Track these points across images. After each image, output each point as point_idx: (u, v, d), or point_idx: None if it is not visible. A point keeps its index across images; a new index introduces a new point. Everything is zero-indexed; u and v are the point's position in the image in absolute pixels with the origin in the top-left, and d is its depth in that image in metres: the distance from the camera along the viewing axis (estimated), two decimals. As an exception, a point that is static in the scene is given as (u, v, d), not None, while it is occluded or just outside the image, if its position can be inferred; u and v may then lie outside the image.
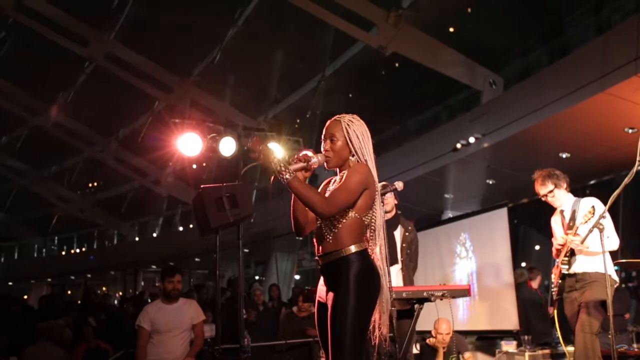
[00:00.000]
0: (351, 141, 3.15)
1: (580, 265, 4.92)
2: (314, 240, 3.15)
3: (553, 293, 5.17)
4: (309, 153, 3.18)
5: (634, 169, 4.10)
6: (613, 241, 4.79)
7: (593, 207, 4.58)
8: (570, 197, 5.17)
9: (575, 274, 4.94)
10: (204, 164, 17.65)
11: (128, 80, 15.79)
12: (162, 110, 16.69)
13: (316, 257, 3.15)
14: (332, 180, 3.26)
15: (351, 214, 3.03)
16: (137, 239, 25.66)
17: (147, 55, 15.16)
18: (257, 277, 21.19)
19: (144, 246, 24.05)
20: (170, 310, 5.81)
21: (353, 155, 3.17)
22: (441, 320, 6.38)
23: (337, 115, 3.24)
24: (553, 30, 11.20)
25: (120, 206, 24.37)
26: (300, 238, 3.54)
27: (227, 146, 6.46)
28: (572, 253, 4.96)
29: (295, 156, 3.15)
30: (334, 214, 2.99)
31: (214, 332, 6.37)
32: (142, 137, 17.99)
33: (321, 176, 7.51)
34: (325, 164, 3.18)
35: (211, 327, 6.67)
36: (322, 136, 3.23)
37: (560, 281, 5.06)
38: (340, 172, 3.23)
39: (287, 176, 2.93)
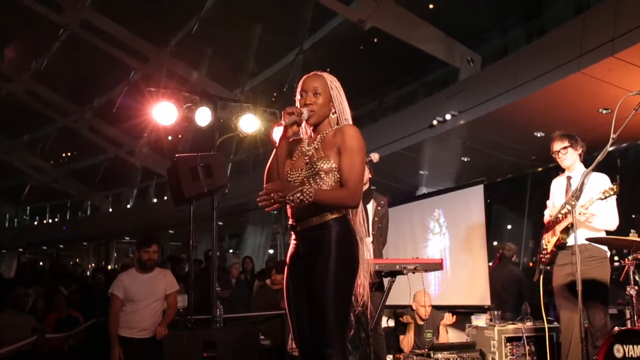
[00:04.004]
0: (334, 99, 3.11)
1: (579, 238, 4.85)
2: (289, 206, 3.02)
3: (544, 260, 5.11)
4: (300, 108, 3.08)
5: (607, 148, 4.15)
6: (614, 220, 4.85)
7: (616, 185, 4.57)
8: (581, 166, 5.11)
9: (572, 247, 4.77)
10: (180, 136, 17.55)
11: (103, 49, 15.56)
12: (138, 80, 16.50)
13: (291, 222, 3.04)
14: (307, 141, 3.14)
15: (338, 175, 2.97)
16: (110, 210, 25.49)
17: (124, 24, 14.93)
18: (230, 251, 21.21)
19: (117, 217, 23.91)
20: (144, 280, 5.80)
21: (334, 114, 3.12)
22: (422, 292, 6.45)
23: (316, 71, 3.18)
24: (532, 10, 11.23)
25: (94, 177, 24.16)
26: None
27: (203, 116, 6.41)
28: (572, 225, 4.90)
29: (287, 110, 3.05)
30: (361, 196, 2.97)
31: (186, 302, 6.40)
32: (117, 106, 17.80)
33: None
34: (308, 119, 3.09)
35: (184, 298, 6.67)
36: (301, 89, 3.14)
37: (554, 249, 5.03)
38: (315, 130, 3.13)
39: (310, 195, 2.82)
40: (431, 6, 11.86)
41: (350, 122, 3.12)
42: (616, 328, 4.72)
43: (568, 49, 7.83)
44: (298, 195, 2.82)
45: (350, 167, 2.95)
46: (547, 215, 5.23)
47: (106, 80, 18.33)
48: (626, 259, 4.55)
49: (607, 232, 4.94)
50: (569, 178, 5.12)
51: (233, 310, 8.14)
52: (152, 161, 20.69)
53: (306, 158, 3.06)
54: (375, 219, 5.57)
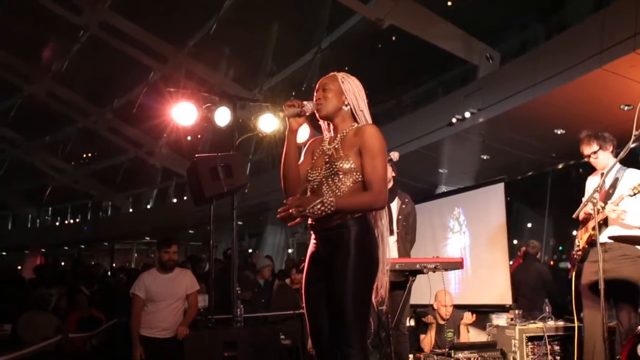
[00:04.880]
0: (345, 92, 3.10)
1: (611, 234, 4.71)
2: None
3: (576, 257, 5.06)
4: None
5: (630, 144, 4.09)
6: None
7: None
8: (616, 163, 4.98)
9: (605, 244, 4.73)
10: (199, 136, 17.63)
11: (123, 50, 15.67)
12: (157, 80, 16.61)
13: (311, 222, 3.03)
14: (328, 140, 3.15)
15: (357, 175, 2.96)
16: (131, 210, 25.66)
17: (143, 25, 15.02)
18: (250, 250, 21.26)
19: (137, 218, 24.06)
20: (165, 280, 5.83)
21: (346, 106, 3.10)
22: (443, 291, 6.42)
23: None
24: (551, 5, 11.14)
25: (115, 177, 24.34)
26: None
27: (222, 116, 6.42)
28: (605, 221, 4.84)
29: (288, 103, 3.07)
30: (386, 196, 2.95)
31: (207, 302, 6.42)
32: (137, 107, 17.92)
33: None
34: (316, 112, 3.11)
35: (204, 297, 6.70)
36: (315, 90, 3.17)
37: (586, 246, 4.97)
38: (335, 128, 3.13)
39: (331, 205, 2.83)
40: (450, 3, 11.82)
41: (369, 118, 3.12)
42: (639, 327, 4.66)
43: (589, 45, 7.76)
44: (318, 206, 2.83)
45: (373, 169, 2.94)
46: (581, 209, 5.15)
47: (126, 81, 18.47)
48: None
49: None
50: (602, 175, 5.03)
51: (256, 311, 8.17)
52: (171, 161, 20.81)
53: (326, 157, 3.06)
54: (400, 217, 5.55)
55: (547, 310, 6.43)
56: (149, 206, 24.51)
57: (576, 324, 5.29)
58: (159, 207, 23.56)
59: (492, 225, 8.50)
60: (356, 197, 2.93)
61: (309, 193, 3.08)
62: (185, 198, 20.68)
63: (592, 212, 4.75)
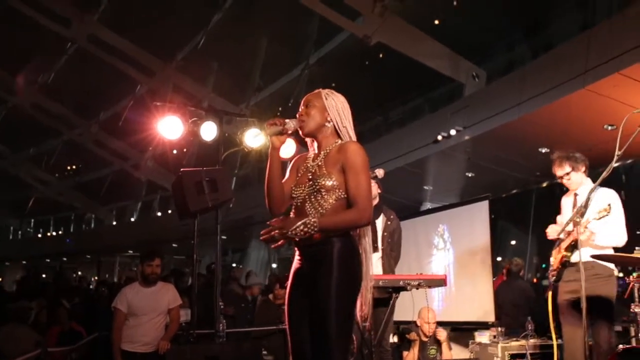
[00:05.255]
0: (328, 108, 3.10)
1: (583, 256, 4.85)
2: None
3: (551, 278, 5.09)
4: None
5: (612, 164, 4.13)
6: (621, 236, 4.78)
7: (609, 205, 4.54)
8: (589, 182, 5.06)
9: (576, 264, 4.83)
10: (185, 150, 17.59)
11: (110, 63, 15.64)
12: (144, 94, 16.59)
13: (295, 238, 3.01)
14: (312, 157, 3.15)
15: (340, 193, 2.96)
16: (114, 223, 25.51)
17: (130, 38, 15.02)
18: (233, 265, 21.17)
19: (121, 230, 23.93)
20: (147, 293, 5.80)
21: (329, 122, 3.10)
22: (427, 308, 6.43)
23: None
24: (537, 26, 11.25)
25: (99, 190, 24.22)
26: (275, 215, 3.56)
27: (209, 130, 6.41)
28: (577, 242, 4.91)
29: (270, 121, 3.07)
30: (371, 212, 2.94)
31: (190, 316, 6.38)
32: (123, 120, 17.88)
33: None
34: (300, 129, 3.12)
35: (187, 312, 6.66)
36: (300, 106, 3.18)
37: (560, 267, 5.01)
38: (319, 145, 3.13)
39: (314, 226, 2.83)
40: (437, 22, 11.90)
41: (353, 135, 3.12)
42: (621, 346, 4.69)
43: (573, 65, 7.83)
44: (301, 228, 2.83)
45: (357, 185, 2.93)
46: (550, 229, 5.21)
47: (112, 94, 18.45)
48: (631, 277, 4.53)
49: (616, 249, 4.91)
50: (575, 195, 5.10)
51: (240, 326, 8.12)
52: (157, 175, 20.74)
53: (309, 174, 3.06)
54: (385, 233, 5.55)
55: (530, 327, 6.45)
56: (132, 219, 24.39)
57: (554, 342, 5.34)
58: (143, 221, 23.44)
59: (476, 242, 8.54)
60: (340, 216, 2.93)
61: (293, 211, 3.08)
62: (169, 212, 20.60)
63: (564, 234, 4.85)
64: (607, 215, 4.48)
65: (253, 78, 16.62)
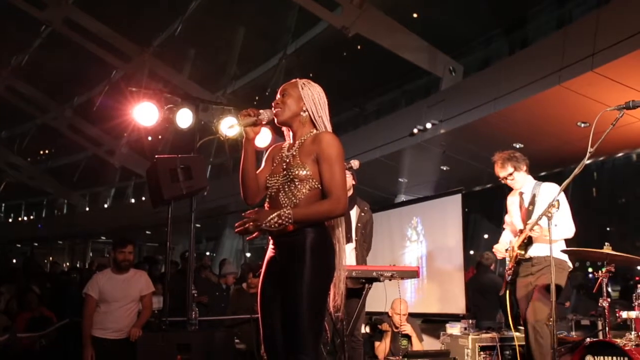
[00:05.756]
0: (304, 98, 3.09)
1: (537, 251, 4.97)
2: (268, 209, 3.03)
3: (507, 275, 5.21)
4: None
5: (584, 161, 4.18)
6: (569, 228, 4.87)
7: (558, 201, 4.62)
8: (531, 180, 5.21)
9: (531, 258, 4.99)
10: (160, 137, 17.47)
11: (86, 47, 15.43)
12: (119, 79, 16.41)
13: None
14: (287, 146, 3.14)
15: (313, 183, 2.95)
16: (87, 209, 25.27)
17: (107, 23, 14.83)
18: (207, 253, 21.11)
19: (94, 217, 23.72)
20: (119, 280, 5.77)
21: (304, 112, 3.09)
22: (399, 300, 6.47)
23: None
24: (515, 22, 11.33)
25: (72, 175, 23.96)
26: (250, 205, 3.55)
27: (184, 118, 6.37)
28: (529, 239, 5.01)
29: (243, 112, 3.07)
30: (346, 202, 2.93)
31: (162, 304, 6.36)
32: (98, 105, 17.69)
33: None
34: (275, 118, 3.11)
35: (159, 299, 6.64)
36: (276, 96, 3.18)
37: (515, 265, 5.11)
38: (294, 135, 3.12)
39: (289, 217, 2.84)
40: (415, 15, 11.91)
41: (329, 125, 3.12)
42: (588, 339, 4.78)
43: (549, 62, 7.90)
44: (275, 219, 2.84)
45: (331, 176, 2.93)
46: (496, 250, 5.35)
47: (87, 79, 18.22)
48: (599, 272, 4.61)
49: (567, 241, 5.02)
50: (521, 194, 5.22)
51: (212, 314, 8.11)
52: (131, 161, 20.56)
53: (284, 164, 3.05)
54: (359, 225, 5.57)
55: (501, 320, 6.53)
56: (106, 205, 24.18)
57: (515, 335, 5.47)
58: (116, 207, 23.26)
59: (449, 235, 8.61)
60: (314, 206, 2.92)
61: (267, 200, 3.07)
62: (143, 198, 20.48)
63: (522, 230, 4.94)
64: (556, 211, 4.57)
65: (230, 66, 16.52)
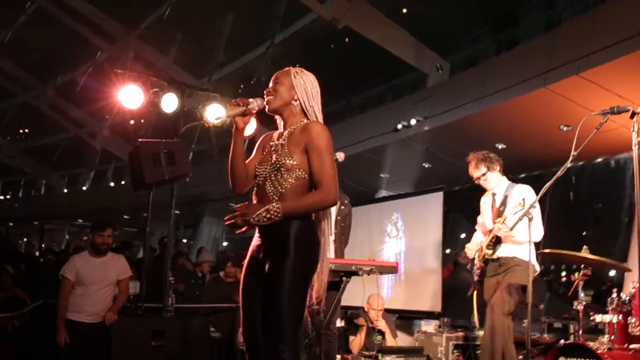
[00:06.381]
0: (296, 87, 3.07)
1: (504, 251, 5.03)
2: (254, 198, 3.03)
3: (475, 275, 5.26)
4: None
5: (567, 164, 4.21)
6: (539, 231, 4.91)
7: (523, 199, 4.67)
8: (505, 181, 5.25)
9: (498, 259, 5.04)
10: (142, 121, 17.33)
11: (71, 26, 15.24)
12: (104, 60, 16.22)
13: None
14: (277, 135, 3.12)
15: (300, 172, 2.93)
16: (65, 190, 25.03)
17: (94, 2, 14.64)
18: (184, 240, 21.03)
19: (72, 198, 23.50)
20: (97, 263, 5.72)
21: (296, 101, 3.07)
22: (376, 295, 6.48)
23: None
24: (504, 22, 11.36)
25: (52, 155, 23.70)
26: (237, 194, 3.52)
27: (170, 102, 6.34)
28: (497, 239, 5.06)
29: (232, 101, 3.05)
30: (337, 192, 2.92)
31: (138, 289, 6.32)
32: (81, 86, 17.50)
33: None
34: (266, 106, 3.09)
35: (136, 284, 6.59)
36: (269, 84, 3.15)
37: (483, 265, 5.16)
38: (285, 123, 3.11)
39: (277, 212, 2.82)
40: (404, 10, 11.90)
41: (320, 114, 3.10)
42: (562, 341, 4.83)
43: (536, 64, 7.92)
44: (264, 214, 2.83)
45: (321, 166, 2.92)
46: (467, 249, 5.38)
47: (71, 59, 17.99)
48: (576, 275, 4.64)
49: (542, 243, 5.07)
50: (493, 195, 5.26)
51: (188, 302, 8.08)
52: (112, 144, 20.40)
53: (273, 153, 3.04)
54: (338, 218, 5.57)
55: (475, 319, 6.57)
56: (84, 188, 23.97)
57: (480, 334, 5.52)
58: (95, 190, 23.07)
59: (429, 232, 8.63)
60: (304, 199, 2.91)
61: (255, 189, 3.05)
62: (123, 182, 20.32)
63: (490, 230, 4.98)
64: (521, 209, 4.60)
65: (217, 53, 16.41)
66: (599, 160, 10.35)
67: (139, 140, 5.74)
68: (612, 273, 10.40)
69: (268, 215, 2.82)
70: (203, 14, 14.81)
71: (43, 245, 25.30)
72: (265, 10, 14.59)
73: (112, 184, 22.28)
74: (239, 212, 2.84)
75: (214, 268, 10.97)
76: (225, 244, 20.81)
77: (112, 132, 19.91)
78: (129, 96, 6.25)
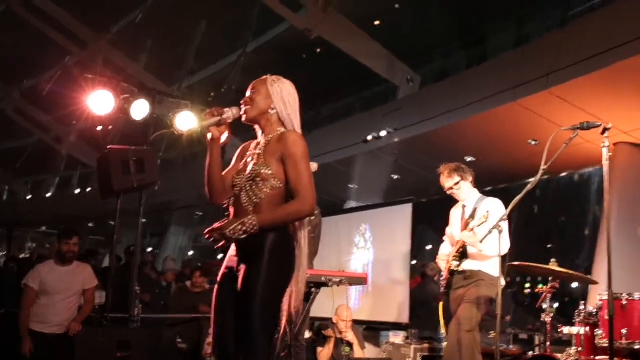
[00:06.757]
0: (272, 95, 3.05)
1: (470, 264, 5.05)
2: (231, 209, 2.99)
3: (441, 287, 5.29)
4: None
5: (537, 177, 4.24)
6: (506, 244, 4.94)
7: (488, 212, 4.70)
8: (476, 193, 5.28)
9: (464, 272, 5.06)
10: (110, 127, 17.07)
11: (40, 29, 15.00)
12: (72, 65, 15.99)
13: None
14: (255, 144, 3.09)
15: (275, 182, 2.90)
16: (29, 197, 24.58)
17: (64, 6, 14.43)
18: (149, 249, 20.80)
19: (36, 205, 23.07)
20: (62, 272, 5.62)
21: (273, 110, 3.05)
22: (344, 306, 6.47)
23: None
24: (474, 37, 11.49)
25: (16, 161, 23.24)
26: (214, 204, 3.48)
27: (140, 109, 6.26)
28: (463, 252, 5.08)
29: (207, 111, 3.01)
30: (314, 201, 2.89)
31: (104, 299, 6.21)
32: (48, 90, 17.20)
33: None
34: (242, 116, 3.06)
35: (101, 294, 6.48)
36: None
37: (449, 277, 5.17)
38: (263, 133, 3.08)
39: (253, 225, 2.79)
40: (377, 22, 11.96)
41: (297, 122, 3.07)
42: (530, 353, 4.86)
43: (506, 78, 8.02)
44: (239, 227, 2.79)
45: (298, 175, 2.89)
46: (439, 260, 5.40)
47: (39, 62, 17.66)
48: (544, 287, 4.68)
49: (509, 256, 5.11)
50: (464, 206, 5.28)
51: (153, 312, 7.97)
52: (78, 150, 20.08)
53: (250, 162, 3.01)
54: (309, 228, 5.53)
55: (441, 331, 6.60)
56: (49, 194, 23.57)
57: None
58: (60, 197, 22.68)
59: (397, 244, 8.66)
60: (281, 210, 2.89)
61: (232, 199, 3.01)
62: (88, 189, 20.01)
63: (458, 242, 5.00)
64: (485, 222, 4.64)
65: (187, 60, 16.30)
66: (564, 174, 10.51)
67: (108, 147, 5.65)
68: (574, 285, 10.52)
69: (244, 229, 2.79)
70: (175, 21, 14.70)
71: (5, 252, 24.81)
72: (238, 18, 14.53)
73: (77, 191, 21.93)
74: (216, 227, 2.81)
75: (179, 277, 10.87)
76: (191, 253, 20.62)
77: (79, 138, 19.62)
78: (99, 102, 6.15)
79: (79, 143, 19.81)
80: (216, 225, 2.82)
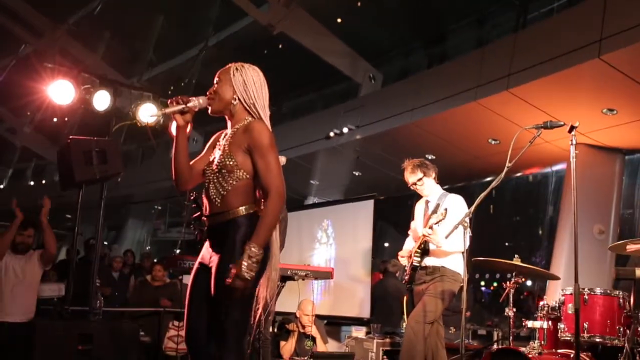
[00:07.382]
0: (235, 85, 2.97)
1: (432, 260, 5.11)
2: (204, 198, 2.94)
3: (404, 282, 5.34)
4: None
5: (502, 175, 4.31)
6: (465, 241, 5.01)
7: (446, 210, 4.77)
8: (439, 189, 5.33)
9: (426, 267, 5.12)
10: (66, 119, 16.78)
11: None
12: (29, 55, 15.64)
13: (204, 217, 2.95)
14: (224, 135, 3.05)
15: (241, 173, 2.86)
16: (-20, 188, 24.00)
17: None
18: (105, 243, 20.48)
19: (-13, 196, 22.53)
20: (15, 262, 5.55)
21: (235, 100, 2.98)
22: (308, 301, 6.49)
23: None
24: (435, 37, 11.60)
25: (-34, 152, 22.67)
26: (181, 191, 3.41)
27: (101, 100, 6.18)
28: (425, 248, 5.14)
29: (173, 98, 2.94)
30: (284, 188, 2.83)
31: (63, 291, 6.13)
32: (1, 81, 16.79)
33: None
34: (208, 108, 3.01)
35: (60, 287, 6.39)
36: None
37: (412, 272, 5.23)
38: (231, 123, 3.03)
39: (255, 251, 2.69)
40: (339, 20, 11.99)
41: (263, 110, 3.01)
42: (495, 346, 4.96)
43: (467, 78, 8.13)
44: (249, 263, 2.68)
45: (266, 167, 2.84)
46: (409, 237, 5.49)
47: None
48: (508, 282, 4.77)
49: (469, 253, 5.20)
50: (427, 202, 5.34)
51: (111, 304, 7.91)
52: (33, 142, 19.65)
53: (217, 153, 2.97)
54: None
55: (404, 325, 6.66)
56: (1, 186, 23.05)
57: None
58: (13, 188, 22.18)
59: (359, 240, 8.72)
60: (264, 218, 2.78)
61: (203, 192, 2.97)
62: (44, 181, 19.63)
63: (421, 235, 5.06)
64: (442, 219, 4.71)
65: (146, 52, 16.09)
66: (519, 174, 10.69)
67: (70, 137, 5.56)
68: (529, 282, 10.75)
69: (252, 260, 2.68)
70: (135, 12, 14.49)
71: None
72: (199, 12, 14.41)
73: (31, 183, 21.48)
74: (231, 276, 2.66)
75: (135, 268, 10.79)
76: (148, 247, 20.40)
77: (34, 129, 19.21)
78: (59, 92, 6.04)
79: (33, 134, 19.40)
80: (233, 271, 2.67)
